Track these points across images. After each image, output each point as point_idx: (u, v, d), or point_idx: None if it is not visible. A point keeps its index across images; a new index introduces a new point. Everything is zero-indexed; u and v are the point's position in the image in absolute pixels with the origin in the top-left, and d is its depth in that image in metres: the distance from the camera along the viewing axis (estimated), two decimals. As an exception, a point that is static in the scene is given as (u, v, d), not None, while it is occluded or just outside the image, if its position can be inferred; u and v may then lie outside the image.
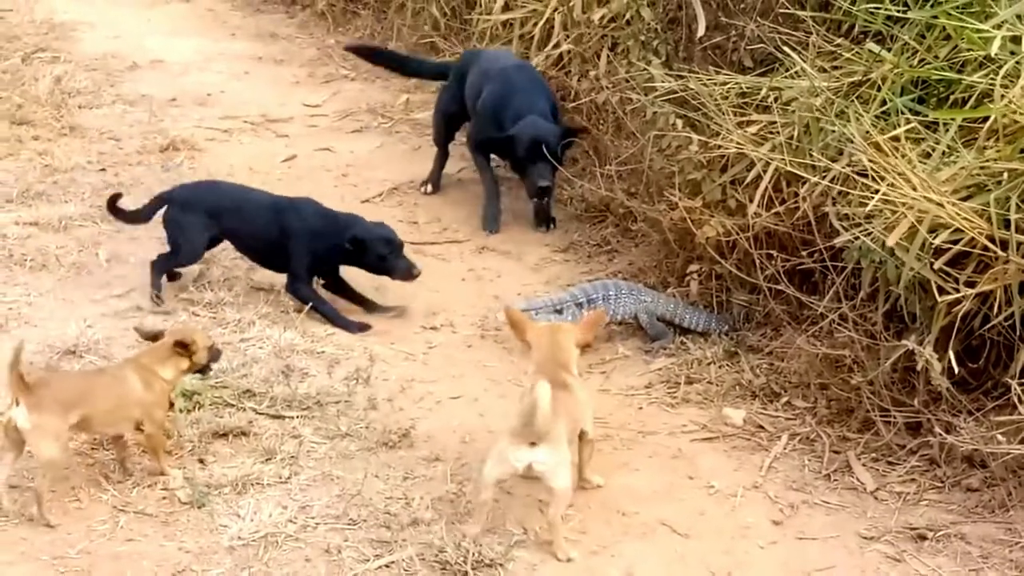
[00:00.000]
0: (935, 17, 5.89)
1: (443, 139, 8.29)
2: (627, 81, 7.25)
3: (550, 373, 4.93)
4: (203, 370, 5.31)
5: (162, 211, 6.73)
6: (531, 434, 4.66)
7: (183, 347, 5.14)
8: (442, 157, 8.32)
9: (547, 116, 7.59)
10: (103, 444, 5.26)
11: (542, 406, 4.58)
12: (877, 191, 5.28)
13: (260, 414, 5.57)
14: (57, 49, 10.63)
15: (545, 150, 7.31)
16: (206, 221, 6.63)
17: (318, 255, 6.57)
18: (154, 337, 5.25)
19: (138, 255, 6.93)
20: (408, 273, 6.55)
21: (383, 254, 6.51)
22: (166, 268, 6.66)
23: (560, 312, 6.24)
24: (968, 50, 5.73)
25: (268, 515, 4.89)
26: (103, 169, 8.22)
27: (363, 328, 6.46)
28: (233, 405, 5.60)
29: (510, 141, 7.52)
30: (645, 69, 7.01)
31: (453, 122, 8.27)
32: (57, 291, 6.61)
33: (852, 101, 5.91)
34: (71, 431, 4.92)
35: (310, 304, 6.49)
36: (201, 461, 5.23)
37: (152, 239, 6.98)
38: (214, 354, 5.31)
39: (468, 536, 4.77)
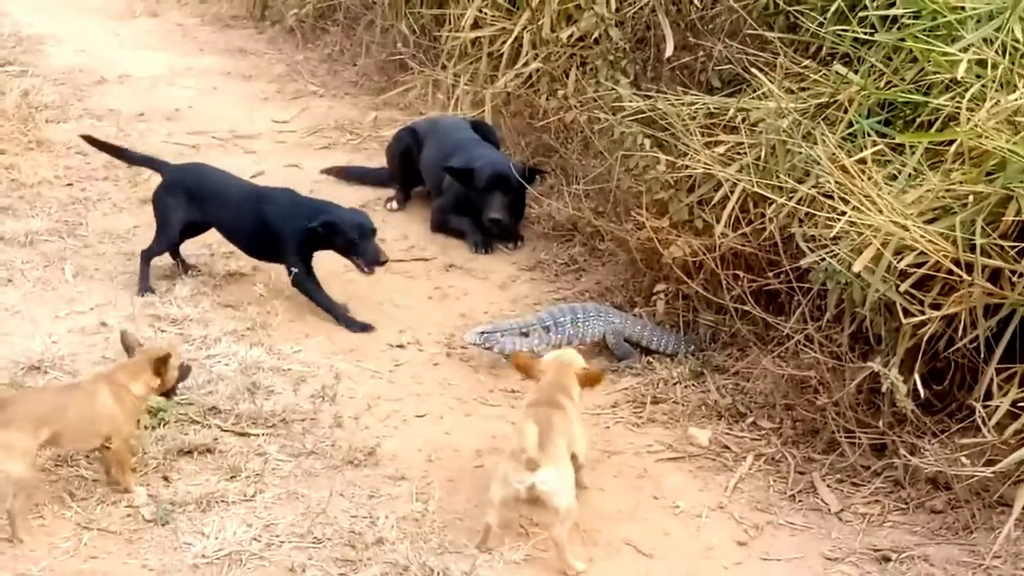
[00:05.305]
0: (902, 40, 5.93)
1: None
2: (595, 100, 7.27)
3: (549, 395, 5.03)
4: (169, 392, 5.28)
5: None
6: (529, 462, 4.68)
7: (163, 364, 5.13)
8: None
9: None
10: (67, 460, 5.23)
11: (529, 446, 4.62)
12: (843, 213, 5.30)
13: (225, 431, 5.55)
14: (24, 63, 10.57)
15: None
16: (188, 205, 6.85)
17: (298, 241, 6.71)
18: (130, 349, 5.23)
19: (104, 270, 6.91)
20: (375, 259, 6.67)
21: (352, 239, 6.65)
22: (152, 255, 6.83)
23: (527, 335, 6.23)
24: (934, 73, 5.76)
25: (232, 533, 4.86)
26: (70, 184, 8.16)
27: (365, 328, 6.61)
28: (198, 422, 5.58)
29: (470, 174, 7.66)
30: (613, 88, 7.03)
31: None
32: (22, 306, 6.56)
33: (819, 123, 5.95)
34: (42, 447, 4.91)
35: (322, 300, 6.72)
36: (165, 478, 5.20)
37: (119, 255, 6.97)
38: (183, 371, 5.29)
39: (469, 552, 4.82)
